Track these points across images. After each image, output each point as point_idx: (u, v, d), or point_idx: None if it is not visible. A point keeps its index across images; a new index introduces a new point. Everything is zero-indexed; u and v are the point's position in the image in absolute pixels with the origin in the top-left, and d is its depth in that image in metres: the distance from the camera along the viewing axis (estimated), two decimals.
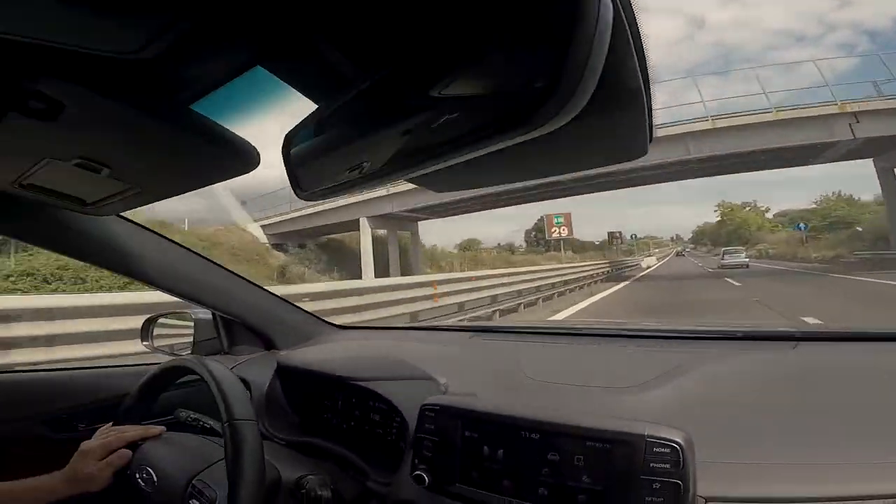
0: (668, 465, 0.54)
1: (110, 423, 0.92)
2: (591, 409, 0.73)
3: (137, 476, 0.83)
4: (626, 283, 17.17)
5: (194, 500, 0.75)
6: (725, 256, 26.11)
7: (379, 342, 1.23)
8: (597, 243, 57.58)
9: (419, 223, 22.27)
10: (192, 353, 1.24)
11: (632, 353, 0.98)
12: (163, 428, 0.91)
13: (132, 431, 0.88)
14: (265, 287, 1.23)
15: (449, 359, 1.01)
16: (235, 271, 1.15)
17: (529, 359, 0.94)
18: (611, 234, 43.93)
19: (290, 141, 0.55)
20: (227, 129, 0.54)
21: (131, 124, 0.52)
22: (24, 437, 1.00)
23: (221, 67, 0.48)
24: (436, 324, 1.87)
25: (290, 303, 1.27)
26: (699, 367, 0.82)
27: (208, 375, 0.77)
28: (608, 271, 21.32)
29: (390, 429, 0.94)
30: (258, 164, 0.59)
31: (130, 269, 0.97)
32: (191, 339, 1.26)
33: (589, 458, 0.59)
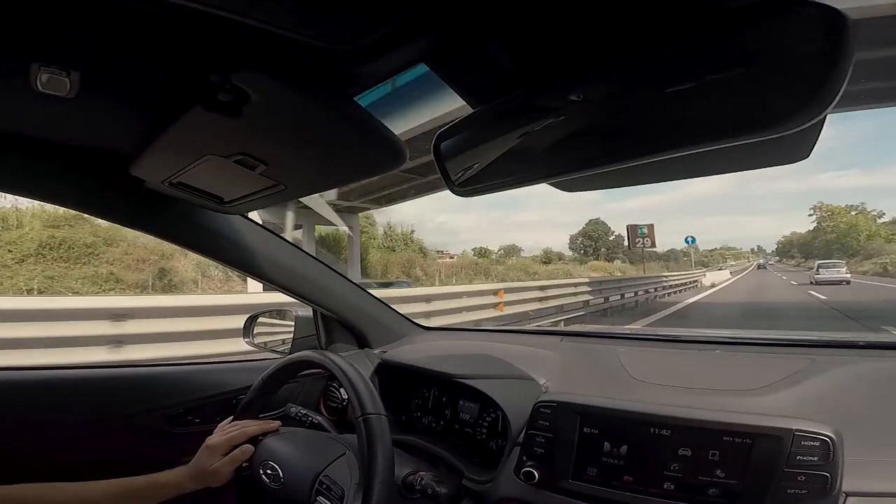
0: (815, 459, 0.56)
1: (230, 419, 0.93)
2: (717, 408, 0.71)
3: (261, 471, 0.83)
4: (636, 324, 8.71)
5: (321, 497, 0.75)
6: (821, 271, 22.09)
7: (471, 343, 1.24)
8: (660, 252, 51.11)
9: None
10: (291, 351, 1.29)
11: (741, 359, 0.96)
12: (279, 423, 0.93)
13: (253, 427, 0.89)
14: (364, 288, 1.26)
15: (545, 360, 1.01)
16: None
17: (632, 362, 0.93)
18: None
19: (441, 138, 0.57)
20: (382, 124, 0.56)
21: (302, 117, 0.55)
22: (146, 430, 1.04)
23: (394, 62, 0.50)
24: (522, 327, 1.85)
25: (383, 302, 1.30)
26: (828, 372, 0.80)
27: (338, 371, 0.78)
28: (603, 297, 10.96)
29: (481, 428, 0.95)
30: (405, 160, 0.60)
31: (248, 266, 1.03)
32: (287, 336, 1.32)
33: (725, 452, 0.60)
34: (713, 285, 21.94)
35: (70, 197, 0.86)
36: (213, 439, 0.87)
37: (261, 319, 1.36)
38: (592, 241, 34.30)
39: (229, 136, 0.62)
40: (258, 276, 1.06)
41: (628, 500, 0.64)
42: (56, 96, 0.57)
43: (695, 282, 21.08)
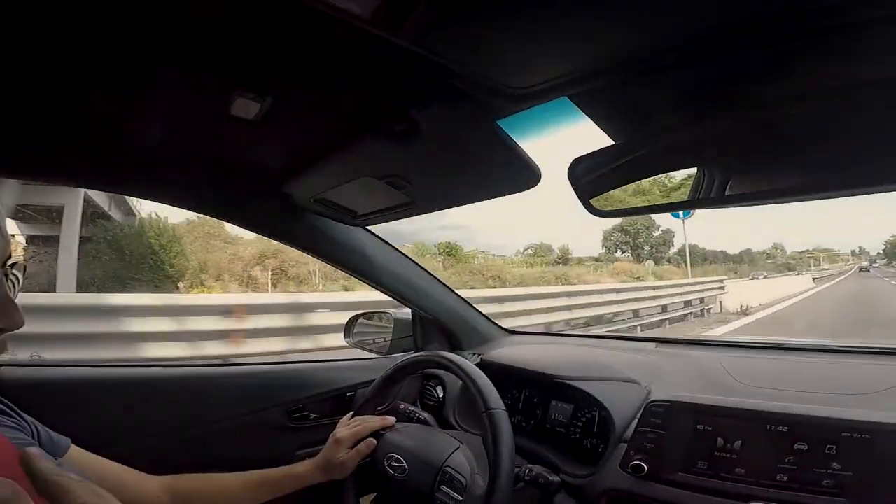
0: None
1: (350, 414, 0.99)
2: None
3: (386, 463, 0.89)
4: None
5: (444, 487, 0.82)
6: None
7: (561, 347, 1.28)
8: (731, 253, 42.52)
9: None
10: (389, 350, 1.40)
11: (852, 366, 0.95)
12: (394, 419, 0.98)
13: (374, 422, 0.94)
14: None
15: (642, 364, 1.04)
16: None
17: (736, 368, 0.95)
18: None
19: (577, 162, 0.64)
20: (520, 147, 0.64)
21: (456, 142, 0.63)
22: (269, 425, 1.12)
23: (546, 98, 0.57)
24: (607, 333, 1.87)
25: (473, 307, 1.38)
26: None
27: (460, 370, 0.85)
28: None
29: (574, 428, 1.00)
30: (538, 183, 0.67)
31: (367, 272, 1.15)
32: (385, 336, 1.42)
33: (843, 447, 0.64)
34: (746, 311, 10.77)
35: (225, 210, 0.99)
36: (340, 433, 0.92)
37: (362, 321, 1.48)
38: (630, 236, 29.88)
39: (389, 160, 0.71)
40: (374, 281, 1.17)
41: (738, 490, 0.68)
42: (243, 119, 0.67)
43: (700, 302, 10.45)
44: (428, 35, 0.43)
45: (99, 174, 0.87)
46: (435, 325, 1.35)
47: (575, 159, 0.63)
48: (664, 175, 0.61)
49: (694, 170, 0.59)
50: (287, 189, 0.92)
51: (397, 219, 0.94)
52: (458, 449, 0.89)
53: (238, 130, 0.71)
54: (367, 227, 1.14)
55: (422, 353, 0.98)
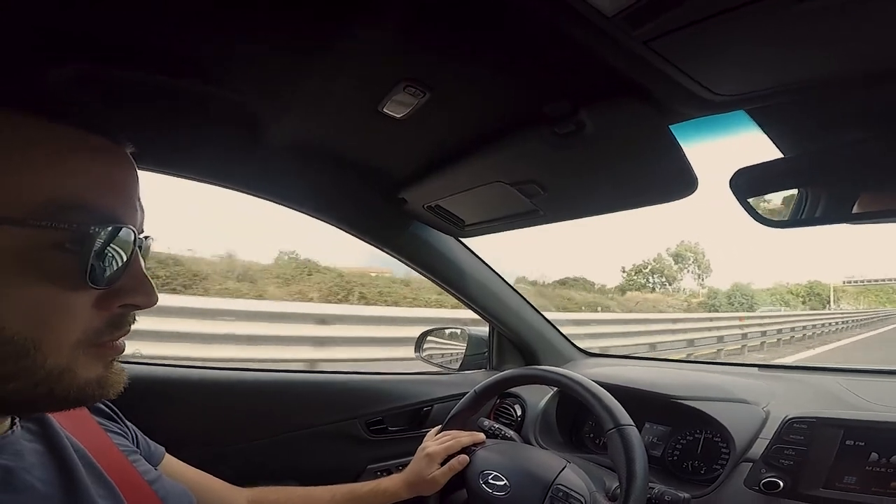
0: None
1: (437, 428, 0.96)
2: None
3: (481, 480, 0.85)
4: None
5: None
6: None
7: (659, 370, 1.24)
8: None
9: None
10: (461, 367, 1.37)
11: None
12: (483, 435, 0.95)
13: (465, 437, 0.91)
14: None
15: (752, 386, 1.01)
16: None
17: (859, 389, 0.93)
18: None
19: (742, 174, 0.63)
20: (685, 154, 0.63)
21: (621, 144, 0.62)
22: (347, 435, 1.10)
23: (727, 108, 0.57)
24: (689, 358, 1.82)
25: (554, 326, 1.36)
26: None
27: (578, 386, 0.81)
28: None
29: (672, 450, 0.98)
30: (693, 192, 0.67)
31: (457, 285, 1.14)
32: (457, 352, 1.40)
33: None
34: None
35: (334, 212, 0.98)
36: (432, 448, 0.88)
37: (431, 338, 1.46)
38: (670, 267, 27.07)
39: (529, 165, 0.70)
40: (462, 294, 1.16)
41: None
42: (389, 117, 0.66)
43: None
44: (662, 37, 0.44)
45: (218, 167, 0.86)
46: (513, 343, 1.33)
47: (740, 171, 0.63)
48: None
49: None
50: (403, 194, 0.92)
51: (508, 230, 0.94)
52: (566, 467, 0.85)
53: (381, 129, 0.71)
54: (460, 239, 1.14)
55: (524, 368, 0.94)
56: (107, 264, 0.38)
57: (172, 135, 0.78)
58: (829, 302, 32.60)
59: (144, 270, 0.43)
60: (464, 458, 0.89)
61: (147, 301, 0.42)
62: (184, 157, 0.83)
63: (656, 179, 0.68)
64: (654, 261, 27.88)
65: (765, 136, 0.60)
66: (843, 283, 40.42)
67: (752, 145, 0.64)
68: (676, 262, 28.28)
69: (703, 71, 0.49)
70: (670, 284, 27.81)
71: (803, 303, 31.11)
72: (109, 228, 0.38)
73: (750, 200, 0.63)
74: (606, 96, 0.57)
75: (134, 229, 0.41)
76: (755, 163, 0.61)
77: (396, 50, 0.55)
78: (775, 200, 0.63)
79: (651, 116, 0.57)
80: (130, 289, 0.41)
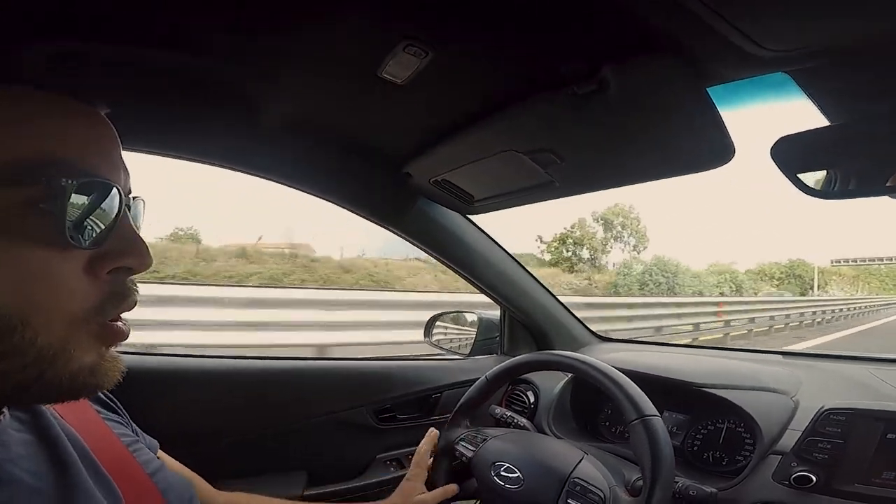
0: None
1: (435, 433, 0.91)
2: None
3: (493, 472, 0.81)
4: None
5: (571, 500, 0.73)
6: None
7: (679, 356, 1.18)
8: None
9: None
10: (471, 352, 1.33)
11: None
12: (455, 486, 0.88)
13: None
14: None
15: (779, 374, 0.96)
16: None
17: (893, 381, 0.88)
18: None
19: (785, 143, 0.57)
20: (723, 120, 0.56)
21: (651, 106, 0.56)
22: (355, 424, 1.07)
23: (767, 69, 0.50)
24: (713, 345, 1.77)
25: (568, 309, 1.30)
26: None
27: (599, 373, 0.76)
28: None
29: (692, 440, 0.94)
30: (729, 161, 0.60)
31: (466, 265, 1.09)
32: (467, 337, 1.35)
33: None
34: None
35: (337, 190, 0.93)
36: (409, 484, 0.84)
37: (440, 322, 1.42)
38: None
39: (544, 131, 0.64)
40: (471, 275, 1.11)
41: None
42: (390, 83, 0.60)
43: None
44: None
45: (219, 146, 0.82)
46: (525, 327, 1.28)
47: (782, 139, 0.57)
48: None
49: None
50: (408, 168, 0.87)
51: (520, 205, 0.88)
52: (583, 458, 0.80)
53: (382, 97, 0.65)
54: (468, 216, 1.08)
55: (541, 353, 0.90)
56: (88, 223, 0.36)
57: (172, 117, 0.75)
58: (811, 287, 27.64)
59: (136, 231, 0.40)
60: (451, 488, 0.86)
61: (140, 263, 0.39)
62: (187, 140, 0.80)
63: (688, 147, 0.61)
64: (575, 227, 22.14)
65: (803, 104, 0.53)
66: (832, 263, 34.89)
67: (780, 114, 0.57)
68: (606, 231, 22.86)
69: (754, 23, 0.42)
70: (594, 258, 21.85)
71: (778, 286, 26.06)
72: (84, 181, 0.35)
73: (796, 168, 0.56)
74: (635, 53, 0.50)
75: (118, 186, 0.38)
76: (798, 131, 0.55)
77: (394, 4, 0.49)
78: (821, 168, 0.56)
79: (687, 76, 0.51)
80: (120, 250, 0.38)
